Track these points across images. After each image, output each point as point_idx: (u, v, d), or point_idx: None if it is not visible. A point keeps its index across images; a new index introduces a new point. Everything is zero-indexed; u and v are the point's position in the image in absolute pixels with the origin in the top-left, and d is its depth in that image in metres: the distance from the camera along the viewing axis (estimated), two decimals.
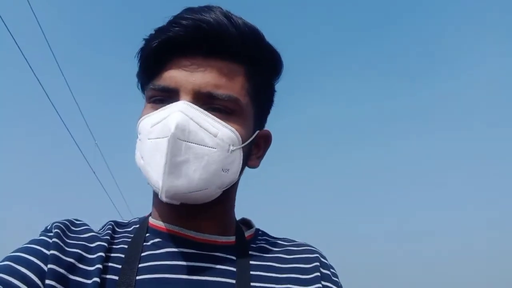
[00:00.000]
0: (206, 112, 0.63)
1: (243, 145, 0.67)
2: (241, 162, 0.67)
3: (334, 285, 0.72)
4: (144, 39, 0.69)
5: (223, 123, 0.64)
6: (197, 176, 0.62)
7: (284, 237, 0.80)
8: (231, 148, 0.65)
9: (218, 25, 0.64)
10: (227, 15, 0.65)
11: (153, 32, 0.67)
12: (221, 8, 0.66)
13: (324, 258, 0.76)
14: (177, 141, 0.60)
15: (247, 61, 0.68)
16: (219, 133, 0.63)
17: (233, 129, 0.65)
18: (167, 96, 0.65)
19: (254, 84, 0.69)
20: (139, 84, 0.73)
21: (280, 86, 0.77)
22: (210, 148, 0.62)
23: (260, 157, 0.76)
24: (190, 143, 0.61)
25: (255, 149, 0.73)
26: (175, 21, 0.65)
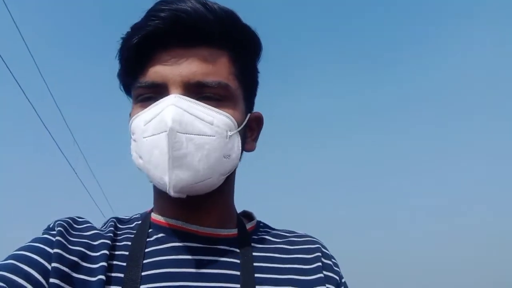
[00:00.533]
0: (198, 102, 0.63)
1: (239, 129, 0.67)
2: (240, 146, 0.68)
3: (336, 274, 0.72)
4: (122, 38, 0.67)
5: (217, 110, 0.64)
6: (202, 166, 0.62)
7: (285, 228, 0.80)
8: (229, 133, 0.65)
9: (195, 13, 0.63)
10: (202, 2, 0.64)
11: (129, 30, 0.66)
12: None
13: (325, 248, 0.77)
14: (176, 134, 0.59)
15: (229, 45, 0.68)
16: (214, 121, 0.63)
17: (227, 114, 0.65)
18: (155, 92, 0.64)
19: (239, 67, 0.69)
20: (122, 86, 0.72)
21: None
22: (209, 137, 0.62)
23: (255, 140, 0.76)
24: (189, 135, 0.61)
25: (249, 132, 0.74)
26: (152, 15, 0.63)
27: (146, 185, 0.73)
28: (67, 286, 0.58)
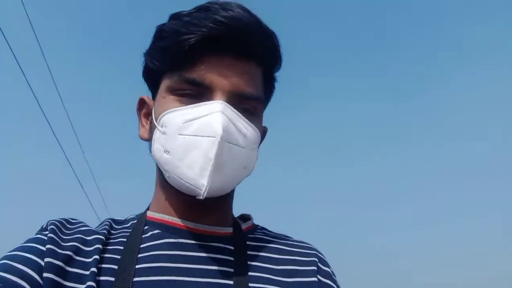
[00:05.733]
0: (239, 114, 0.65)
1: (260, 143, 0.70)
2: (256, 158, 0.71)
3: (333, 283, 0.72)
4: (172, 27, 0.66)
5: (250, 123, 0.66)
6: (230, 174, 0.64)
7: (283, 233, 0.81)
8: (254, 146, 0.68)
9: (253, 28, 0.65)
10: (257, 18, 0.67)
11: (181, 22, 0.65)
12: (242, 6, 0.67)
13: (323, 255, 0.77)
14: (223, 143, 0.61)
15: (265, 63, 0.71)
16: (248, 134, 0.66)
17: (257, 129, 0.68)
18: (197, 91, 0.65)
19: (267, 85, 0.73)
20: (148, 68, 0.71)
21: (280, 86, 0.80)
22: (242, 148, 0.65)
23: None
24: (230, 144, 0.63)
25: None
26: (214, 18, 0.64)
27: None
28: (61, 280, 0.58)
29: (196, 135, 0.62)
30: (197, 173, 0.61)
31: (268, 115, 0.76)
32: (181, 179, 0.63)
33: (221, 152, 0.60)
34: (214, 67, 0.64)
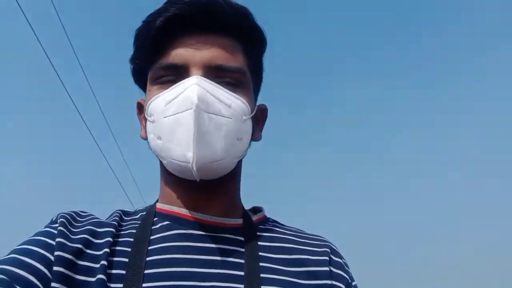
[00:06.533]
0: (218, 85, 0.65)
1: (251, 115, 0.70)
2: (251, 131, 0.70)
3: (346, 274, 0.71)
4: (143, 21, 0.69)
5: (234, 94, 0.66)
6: (219, 146, 0.64)
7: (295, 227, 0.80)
8: (244, 118, 0.67)
9: (217, 2, 0.67)
10: None
11: (150, 15, 0.68)
12: None
13: (335, 247, 0.76)
14: (201, 112, 0.61)
15: (242, 38, 0.71)
16: (232, 104, 0.65)
17: (243, 100, 0.67)
18: (175, 74, 0.66)
19: (251, 60, 0.73)
20: (134, 71, 0.74)
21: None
22: (227, 118, 0.64)
23: (261, 130, 0.79)
24: (211, 114, 0.63)
25: (255, 122, 0.75)
26: (176, 2, 0.66)
27: None
28: (71, 273, 0.58)
29: (177, 113, 0.63)
30: (184, 148, 0.62)
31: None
32: (173, 159, 0.64)
33: (200, 121, 0.61)
34: (185, 46, 0.66)
